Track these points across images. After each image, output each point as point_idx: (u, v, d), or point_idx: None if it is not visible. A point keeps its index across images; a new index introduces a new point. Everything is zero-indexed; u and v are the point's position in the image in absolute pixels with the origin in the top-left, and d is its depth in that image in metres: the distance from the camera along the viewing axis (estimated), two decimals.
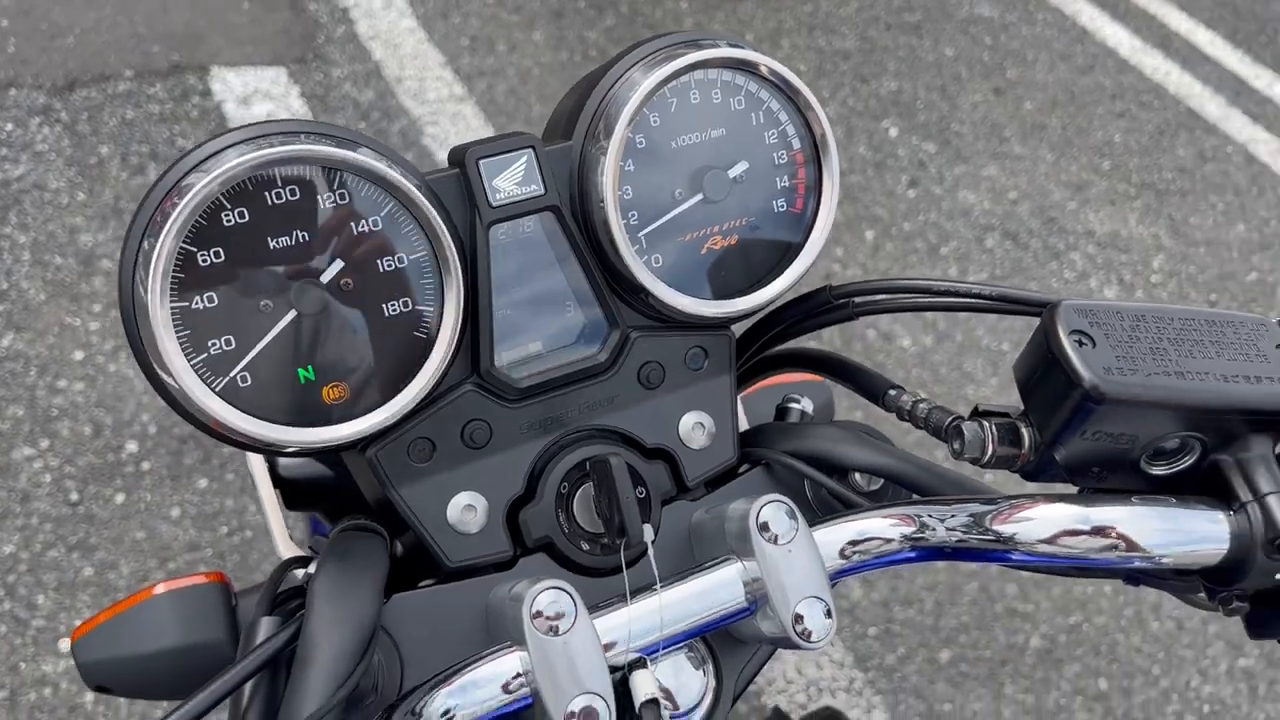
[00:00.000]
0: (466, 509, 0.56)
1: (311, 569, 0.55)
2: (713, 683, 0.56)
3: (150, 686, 0.73)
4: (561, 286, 0.57)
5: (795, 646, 0.51)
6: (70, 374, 2.12)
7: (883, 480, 0.61)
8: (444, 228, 0.52)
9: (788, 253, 0.61)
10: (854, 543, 0.52)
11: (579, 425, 0.58)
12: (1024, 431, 0.52)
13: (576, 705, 0.47)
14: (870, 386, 0.61)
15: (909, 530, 0.52)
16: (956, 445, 0.53)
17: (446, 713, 0.47)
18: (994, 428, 0.52)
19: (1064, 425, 0.49)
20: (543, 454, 0.57)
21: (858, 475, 0.60)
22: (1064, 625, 2.07)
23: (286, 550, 0.65)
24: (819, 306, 0.63)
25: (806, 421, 0.66)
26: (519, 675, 0.48)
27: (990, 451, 0.52)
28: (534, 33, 3.17)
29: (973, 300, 0.57)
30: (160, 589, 0.74)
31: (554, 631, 0.48)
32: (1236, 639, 2.11)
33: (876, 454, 0.59)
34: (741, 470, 0.62)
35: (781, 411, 0.67)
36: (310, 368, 0.52)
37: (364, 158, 0.50)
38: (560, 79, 3.03)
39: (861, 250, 2.70)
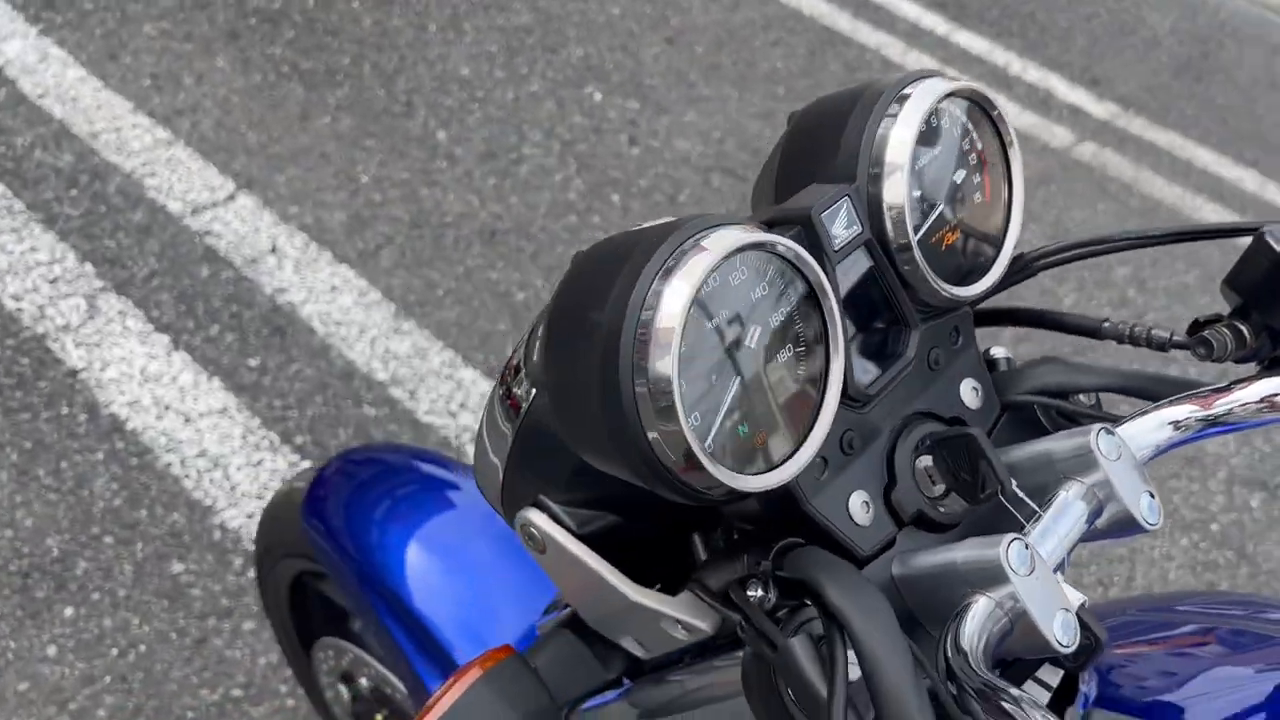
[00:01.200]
0: (862, 505, 0.65)
1: (756, 593, 0.63)
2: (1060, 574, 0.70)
3: None
4: (872, 303, 0.67)
5: (1140, 532, 0.66)
6: None
7: (1096, 396, 0.76)
8: (825, 278, 0.61)
9: (992, 234, 0.73)
10: (1154, 433, 0.68)
11: (901, 414, 0.68)
12: (1244, 329, 0.69)
13: (1058, 620, 0.59)
14: (1082, 326, 0.75)
15: (1196, 414, 0.68)
16: (1203, 350, 0.69)
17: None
18: (1229, 330, 0.69)
19: None
20: (889, 444, 0.67)
21: (1080, 396, 0.75)
22: None
23: (637, 595, 0.70)
24: (1015, 272, 0.76)
25: (1016, 366, 0.79)
26: (997, 614, 0.59)
27: (1230, 350, 0.69)
28: (216, 59, 3.01)
29: (1162, 236, 0.73)
30: (473, 675, 0.76)
31: (1025, 572, 0.59)
32: None
33: (1101, 375, 0.74)
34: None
35: (991, 362, 0.80)
36: (745, 423, 0.59)
37: (781, 238, 0.58)
38: (262, 102, 2.91)
39: (613, 213, 2.85)
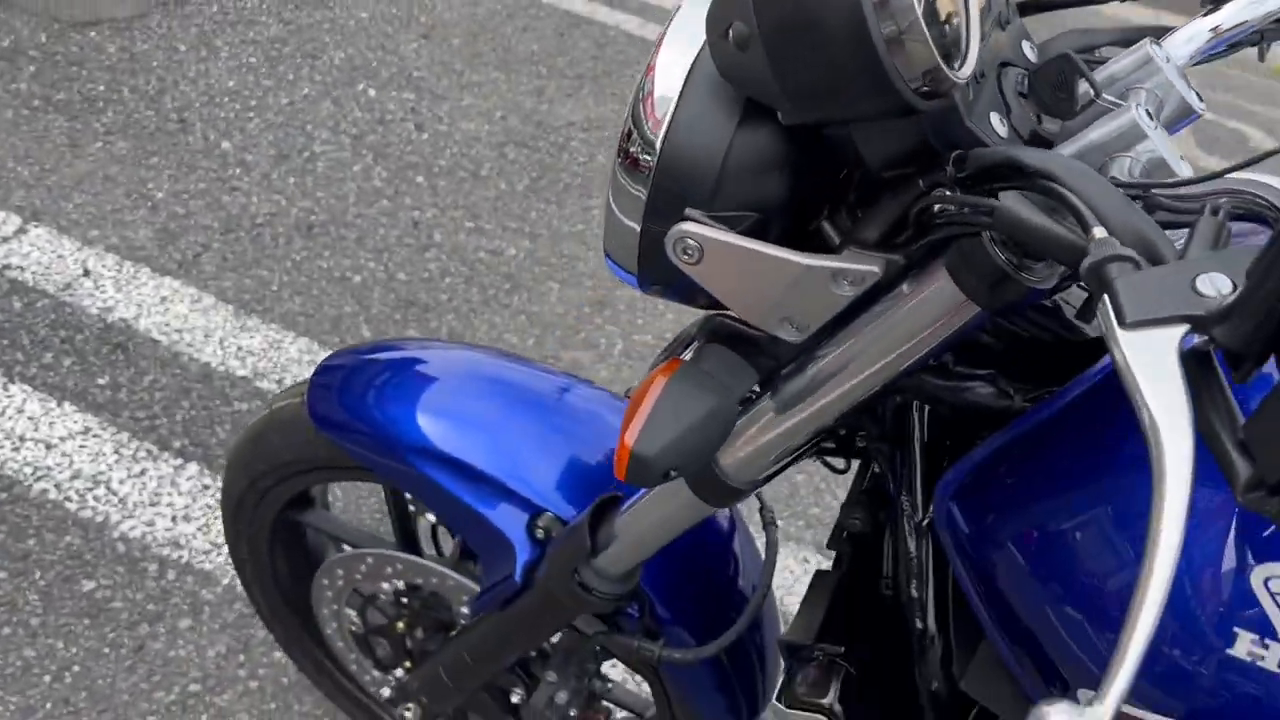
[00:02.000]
0: (999, 121, 0.76)
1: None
2: None
3: (699, 453, 0.82)
4: None
5: (1192, 120, 0.81)
6: None
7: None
8: None
9: None
10: (1184, 46, 0.84)
11: (996, 61, 0.81)
12: None
13: (1182, 165, 0.73)
14: None
15: (1208, 26, 0.84)
16: None
17: None
18: None
19: None
20: (997, 81, 0.79)
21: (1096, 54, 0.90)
22: None
23: (807, 259, 0.78)
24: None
25: (1039, 42, 0.94)
26: (1134, 165, 0.72)
27: None
28: None
29: None
30: (661, 380, 0.81)
31: (1153, 127, 0.73)
32: None
33: (1111, 32, 0.89)
34: None
35: None
36: (935, 37, 0.69)
37: None
38: (23, 137, 2.71)
39: (423, 193, 2.86)
